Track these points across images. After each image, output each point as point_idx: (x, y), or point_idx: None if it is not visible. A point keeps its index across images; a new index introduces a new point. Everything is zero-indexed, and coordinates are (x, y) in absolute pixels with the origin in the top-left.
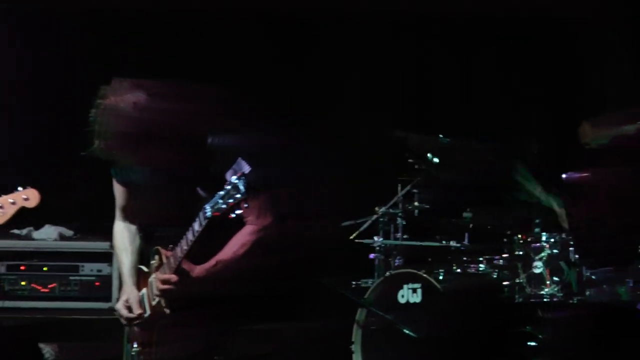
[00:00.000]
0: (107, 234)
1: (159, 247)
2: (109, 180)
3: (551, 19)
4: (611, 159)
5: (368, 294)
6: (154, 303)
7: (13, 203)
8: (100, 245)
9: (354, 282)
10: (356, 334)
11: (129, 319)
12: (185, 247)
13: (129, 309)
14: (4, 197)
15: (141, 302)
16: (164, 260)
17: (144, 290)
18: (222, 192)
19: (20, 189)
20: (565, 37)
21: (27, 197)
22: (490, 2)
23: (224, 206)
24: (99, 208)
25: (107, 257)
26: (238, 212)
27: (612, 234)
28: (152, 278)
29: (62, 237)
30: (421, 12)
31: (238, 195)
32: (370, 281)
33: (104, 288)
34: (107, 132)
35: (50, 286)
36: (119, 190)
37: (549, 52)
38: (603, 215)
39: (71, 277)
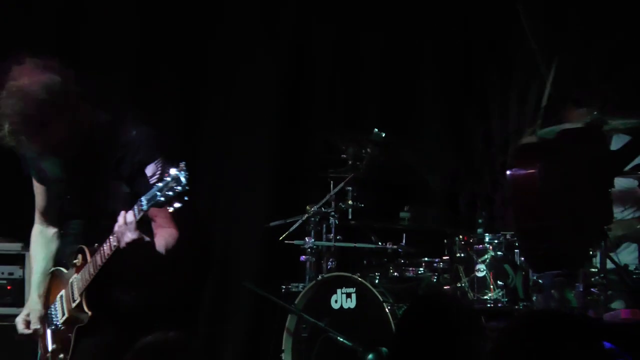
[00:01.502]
0: (18, 235)
1: (84, 246)
2: (21, 178)
3: None
4: (555, 155)
5: (299, 299)
6: (73, 305)
7: None
8: (12, 247)
9: (283, 287)
10: (286, 342)
11: (22, 335)
12: (115, 244)
13: (27, 324)
14: None
15: (53, 308)
16: (89, 259)
17: (62, 292)
18: (160, 184)
19: None
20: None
21: None
22: None
23: (162, 199)
24: (10, 207)
25: (20, 259)
26: (177, 205)
27: (560, 234)
28: (74, 278)
29: None
30: None
31: (179, 188)
32: (301, 285)
33: (15, 292)
34: (14, 115)
35: None
36: (38, 190)
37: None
38: (548, 215)
39: None
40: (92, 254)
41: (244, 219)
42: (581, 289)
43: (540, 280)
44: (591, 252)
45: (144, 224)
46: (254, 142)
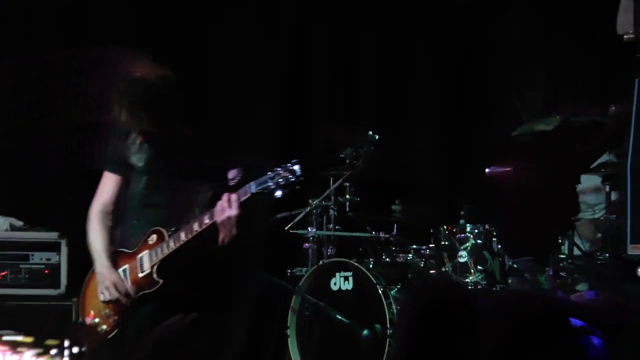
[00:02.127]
0: (55, 225)
1: (160, 228)
2: (57, 175)
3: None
4: (528, 155)
5: (302, 282)
6: (141, 275)
7: None
8: (49, 236)
9: (288, 271)
10: (291, 320)
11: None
12: (207, 221)
13: (115, 289)
14: None
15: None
16: (166, 238)
17: (126, 266)
18: (271, 174)
19: None
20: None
21: None
22: None
23: (272, 186)
24: (48, 201)
25: (56, 246)
26: (279, 193)
27: (532, 225)
28: (144, 254)
29: (13, 228)
30: None
31: (292, 178)
32: (304, 270)
33: (52, 276)
34: (136, 98)
35: (1, 274)
36: (110, 181)
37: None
38: (521, 207)
39: (21, 266)
40: (169, 235)
41: (254, 211)
42: (551, 273)
43: (514, 265)
44: (560, 241)
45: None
46: (262, 143)
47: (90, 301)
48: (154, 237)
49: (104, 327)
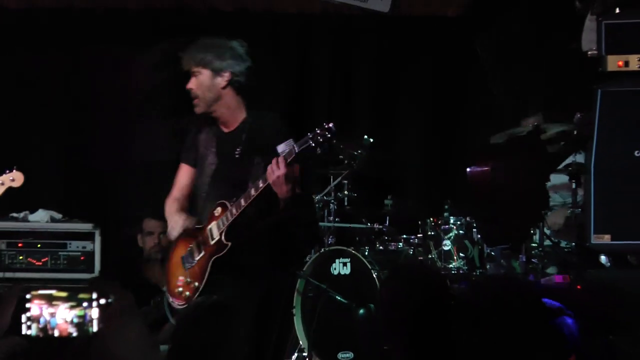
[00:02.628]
0: (89, 217)
1: (225, 201)
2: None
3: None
4: (504, 156)
5: (306, 267)
6: (212, 242)
7: (2, 184)
8: (84, 226)
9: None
10: (296, 300)
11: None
12: (261, 185)
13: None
14: None
15: (186, 256)
16: (229, 208)
17: (200, 239)
18: (310, 134)
19: (7, 172)
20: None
21: (13, 178)
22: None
23: (313, 144)
24: (83, 196)
25: (90, 236)
26: (320, 150)
27: (507, 217)
28: (212, 225)
29: (53, 220)
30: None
31: (329, 135)
32: (308, 257)
33: (87, 261)
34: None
35: (43, 260)
36: (186, 173)
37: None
38: (498, 202)
39: (60, 253)
40: (231, 204)
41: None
42: (524, 259)
43: (492, 253)
44: (531, 231)
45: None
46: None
47: (175, 271)
48: (218, 209)
49: (187, 293)
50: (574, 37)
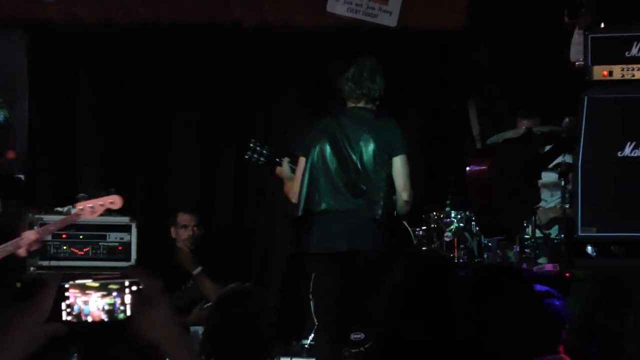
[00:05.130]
0: (126, 212)
1: None
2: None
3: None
4: (499, 156)
5: None
6: None
7: (101, 205)
8: (122, 220)
9: None
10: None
11: None
12: None
13: None
14: (95, 200)
15: None
16: None
17: None
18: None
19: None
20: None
21: (113, 201)
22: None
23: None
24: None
25: (127, 228)
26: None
27: (503, 212)
28: None
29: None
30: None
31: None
32: None
33: (125, 251)
34: None
35: (85, 250)
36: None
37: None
38: (494, 198)
39: (100, 243)
40: None
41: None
42: (517, 250)
43: (489, 244)
44: (525, 224)
45: None
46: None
47: None
48: None
49: None
50: (563, 48)
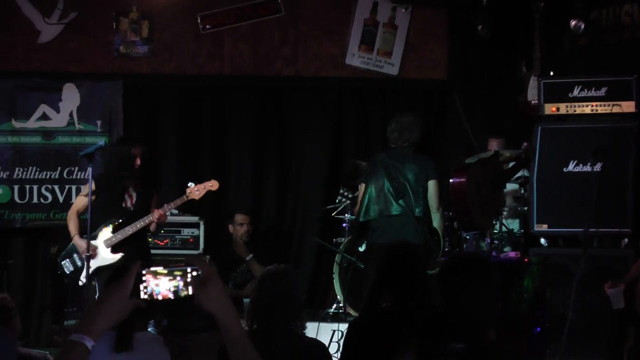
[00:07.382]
0: (195, 212)
1: None
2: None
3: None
4: (474, 171)
5: (342, 246)
6: None
7: (204, 187)
8: (192, 219)
9: (334, 239)
10: (335, 268)
11: None
12: None
13: None
14: (200, 185)
15: None
16: None
17: None
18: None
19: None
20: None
21: (212, 184)
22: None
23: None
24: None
25: (197, 225)
26: None
27: (476, 213)
28: None
29: (171, 213)
30: None
31: None
32: (343, 239)
33: (194, 243)
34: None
35: (164, 241)
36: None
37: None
38: (469, 203)
39: (176, 236)
40: None
41: (313, 204)
42: (488, 241)
43: (467, 237)
44: (493, 222)
45: None
46: (319, 165)
47: None
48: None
49: None
50: (521, 91)
